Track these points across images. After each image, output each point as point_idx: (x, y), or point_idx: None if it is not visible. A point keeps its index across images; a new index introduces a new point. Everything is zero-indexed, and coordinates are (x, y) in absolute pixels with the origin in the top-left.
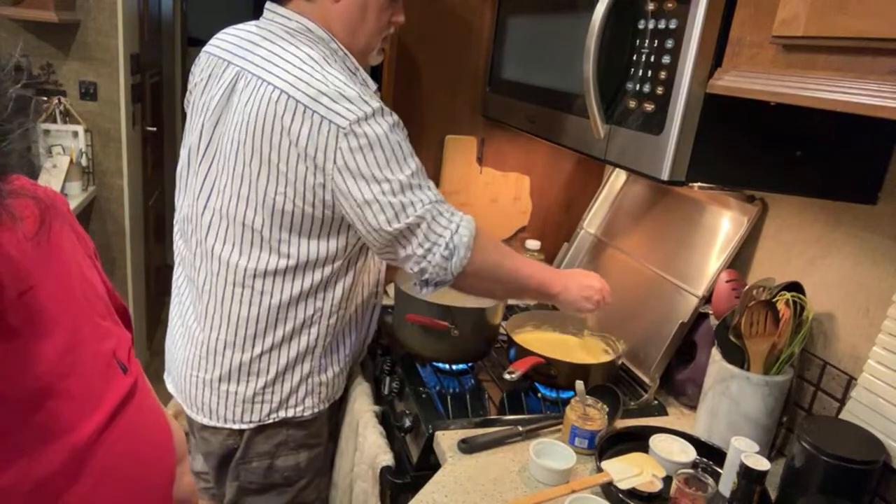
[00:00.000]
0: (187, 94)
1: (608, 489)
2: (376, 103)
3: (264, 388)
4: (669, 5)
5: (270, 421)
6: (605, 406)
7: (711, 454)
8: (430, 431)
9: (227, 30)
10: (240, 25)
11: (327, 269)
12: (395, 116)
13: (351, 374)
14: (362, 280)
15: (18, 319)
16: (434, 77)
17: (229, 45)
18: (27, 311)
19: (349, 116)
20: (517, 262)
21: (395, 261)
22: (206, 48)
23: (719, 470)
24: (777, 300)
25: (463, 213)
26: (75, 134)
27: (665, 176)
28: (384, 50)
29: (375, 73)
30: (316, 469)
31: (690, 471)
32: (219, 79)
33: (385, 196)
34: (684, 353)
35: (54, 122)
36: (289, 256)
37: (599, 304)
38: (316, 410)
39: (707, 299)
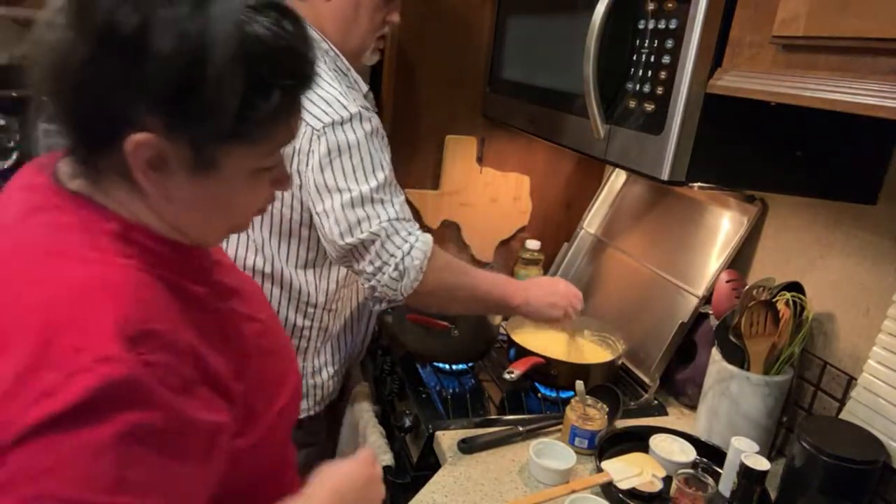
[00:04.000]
0: None
1: (608, 489)
2: (354, 108)
3: None
4: (669, 5)
5: None
6: (605, 406)
7: (711, 454)
8: (430, 431)
9: None
10: None
11: (311, 273)
12: (375, 122)
13: (351, 374)
14: (357, 282)
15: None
16: (434, 77)
17: None
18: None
19: (324, 119)
20: (474, 280)
21: (353, 272)
22: None
23: (719, 470)
24: (777, 300)
25: (421, 232)
26: None
27: (665, 176)
28: (381, 50)
29: (375, 73)
30: (313, 467)
31: (690, 471)
32: None
33: (343, 208)
34: (684, 353)
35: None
36: (272, 258)
37: (567, 310)
38: (311, 413)
39: (707, 299)
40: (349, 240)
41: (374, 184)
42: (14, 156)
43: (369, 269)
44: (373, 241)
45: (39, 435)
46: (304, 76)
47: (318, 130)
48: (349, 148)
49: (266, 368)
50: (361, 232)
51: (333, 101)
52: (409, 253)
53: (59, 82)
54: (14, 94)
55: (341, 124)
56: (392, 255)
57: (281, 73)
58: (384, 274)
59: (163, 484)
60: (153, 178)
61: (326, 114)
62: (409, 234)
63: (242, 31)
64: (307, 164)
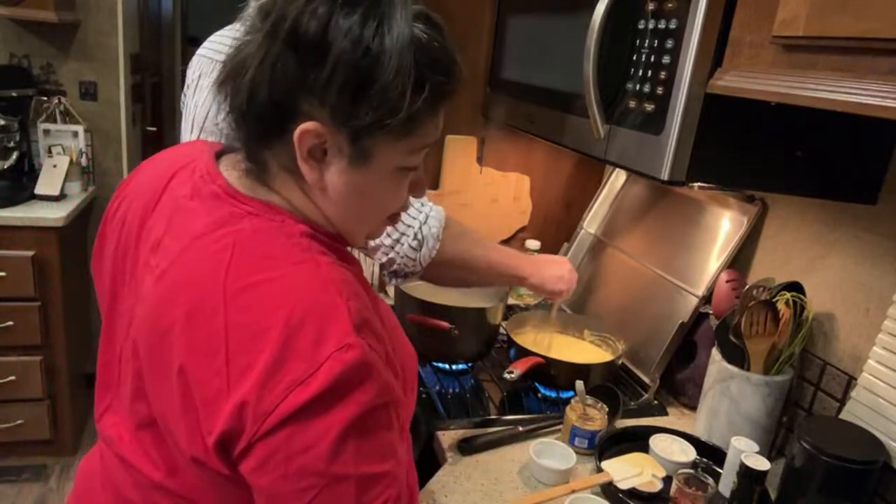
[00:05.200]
0: (182, 95)
1: (608, 489)
2: None
3: None
4: (669, 5)
5: None
6: (605, 406)
7: (711, 454)
8: (430, 431)
9: (220, 31)
10: (232, 26)
11: None
12: None
13: None
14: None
15: None
16: None
17: (219, 45)
18: None
19: None
20: (487, 250)
21: (365, 251)
22: (199, 50)
23: (719, 470)
24: (777, 300)
25: (433, 204)
26: (75, 134)
27: (665, 176)
28: None
29: None
30: None
31: (690, 471)
32: (208, 78)
33: None
34: (684, 353)
35: (54, 122)
36: None
37: (570, 286)
38: None
39: (707, 299)
40: None
41: None
42: (14, 156)
43: (387, 241)
44: None
45: (294, 420)
46: (454, 75)
47: None
48: None
49: (401, 344)
50: None
51: None
52: (425, 222)
53: (241, 78)
54: (14, 94)
55: None
56: (409, 226)
57: (435, 71)
58: (403, 244)
59: (391, 452)
60: (313, 167)
61: None
62: (423, 204)
63: (410, 33)
64: None
